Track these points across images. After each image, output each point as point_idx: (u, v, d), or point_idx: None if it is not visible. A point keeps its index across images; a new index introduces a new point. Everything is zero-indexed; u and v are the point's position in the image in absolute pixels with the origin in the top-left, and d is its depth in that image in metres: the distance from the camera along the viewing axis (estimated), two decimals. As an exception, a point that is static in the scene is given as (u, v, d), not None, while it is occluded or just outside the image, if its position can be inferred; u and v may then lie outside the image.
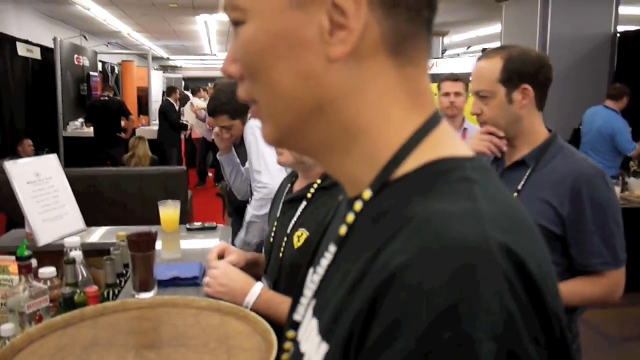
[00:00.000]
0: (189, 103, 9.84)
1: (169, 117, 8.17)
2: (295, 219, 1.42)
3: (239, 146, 2.57)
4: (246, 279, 1.39)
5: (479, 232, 0.41)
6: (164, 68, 19.46)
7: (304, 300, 0.62)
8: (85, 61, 9.47)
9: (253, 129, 2.29)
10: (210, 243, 2.02)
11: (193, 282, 1.49)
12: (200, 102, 9.76)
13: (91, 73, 9.41)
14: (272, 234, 1.51)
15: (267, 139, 0.56)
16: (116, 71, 12.39)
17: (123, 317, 1.26)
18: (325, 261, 0.55)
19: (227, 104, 2.38)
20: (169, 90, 8.84)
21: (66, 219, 1.94)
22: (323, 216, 1.36)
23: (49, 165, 1.94)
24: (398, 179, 0.51)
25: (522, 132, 1.50)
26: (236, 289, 1.37)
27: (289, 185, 1.56)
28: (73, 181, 2.05)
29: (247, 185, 2.52)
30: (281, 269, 1.43)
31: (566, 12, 6.23)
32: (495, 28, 9.47)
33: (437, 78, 9.61)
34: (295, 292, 0.70)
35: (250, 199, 2.43)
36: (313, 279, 0.58)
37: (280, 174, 2.18)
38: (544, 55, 1.54)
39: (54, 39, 8.01)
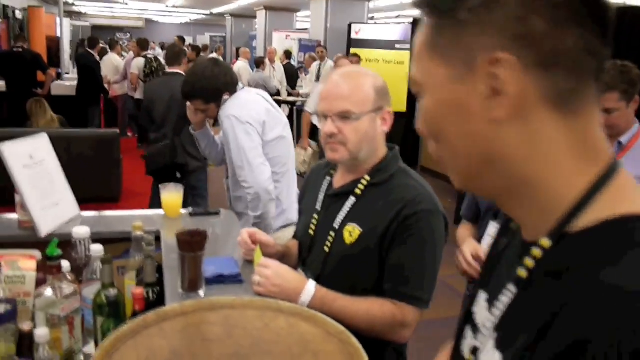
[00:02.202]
0: (107, 56, 9.20)
1: (95, 73, 7.59)
2: (344, 213, 1.43)
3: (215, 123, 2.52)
4: (299, 278, 1.39)
5: None
6: (69, 14, 17.96)
7: (485, 331, 0.65)
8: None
9: (230, 118, 2.24)
10: (217, 229, 1.98)
11: (237, 280, 1.47)
12: (117, 59, 9.18)
13: (-5, 19, 8.52)
14: (313, 227, 1.51)
15: (455, 184, 0.65)
16: (19, 16, 11.29)
17: (186, 322, 1.22)
18: (505, 299, 0.60)
19: (202, 88, 2.31)
20: (92, 42, 8.18)
21: (62, 205, 1.80)
22: (376, 213, 1.39)
23: (41, 146, 1.78)
24: (578, 233, 0.54)
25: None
26: (290, 288, 1.36)
27: (328, 178, 1.55)
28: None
29: (223, 155, 2.49)
30: (326, 263, 1.44)
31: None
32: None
33: (365, 44, 9.63)
34: (461, 320, 0.74)
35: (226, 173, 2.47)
36: (493, 312, 0.63)
37: (263, 168, 2.17)
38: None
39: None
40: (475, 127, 0.57)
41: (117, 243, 1.86)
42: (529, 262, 0.57)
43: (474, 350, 0.69)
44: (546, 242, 0.56)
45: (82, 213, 1.96)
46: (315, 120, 1.87)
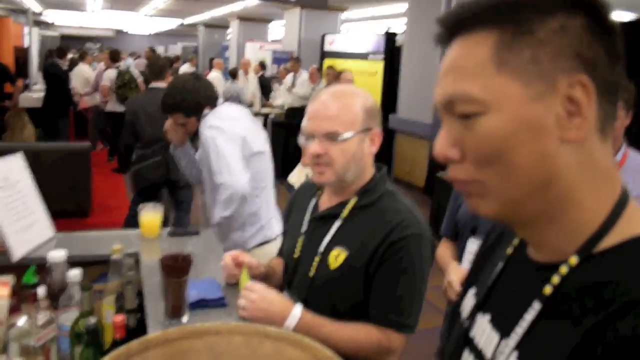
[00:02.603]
0: (78, 67, 9.02)
1: (64, 84, 7.43)
2: (329, 237, 1.41)
3: (193, 138, 2.48)
4: (285, 302, 1.36)
5: None
6: (37, 24, 17.60)
7: (505, 349, 0.64)
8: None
9: (212, 128, 2.24)
10: (197, 249, 1.94)
11: (220, 304, 1.44)
12: (88, 69, 9.01)
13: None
14: (298, 251, 1.49)
15: (486, 213, 0.62)
16: (-16, 26, 11.01)
17: (171, 350, 1.18)
18: (529, 316, 0.61)
19: (183, 101, 2.30)
20: (60, 52, 8.01)
21: (36, 227, 1.75)
22: (362, 236, 1.37)
23: (16, 167, 1.72)
24: (606, 252, 0.58)
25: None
26: (275, 312, 1.34)
27: (313, 200, 1.53)
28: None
29: (201, 172, 2.47)
30: (311, 288, 1.42)
31: None
32: (400, 7, 9.68)
33: (339, 55, 9.64)
34: (455, 346, 0.75)
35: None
36: (516, 331, 0.62)
37: (243, 173, 2.15)
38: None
39: None
40: (547, 147, 0.57)
41: (93, 265, 1.81)
42: (555, 279, 0.59)
43: None
44: (574, 260, 0.58)
45: (56, 234, 1.90)
46: (300, 140, 1.83)
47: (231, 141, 2.20)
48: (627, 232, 0.58)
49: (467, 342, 0.74)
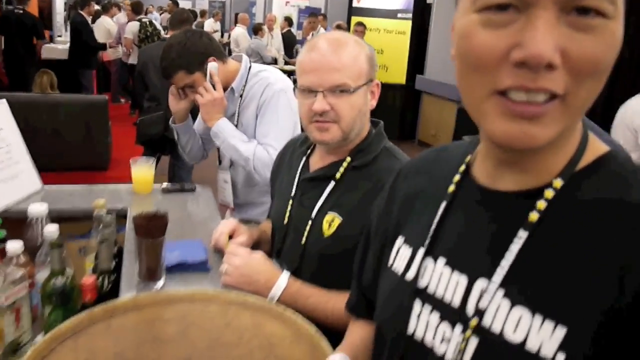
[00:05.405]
0: (100, 19, 8.91)
1: (85, 36, 7.35)
2: (321, 200, 1.28)
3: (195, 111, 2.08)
4: (271, 270, 1.25)
5: None
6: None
7: (490, 287, 0.58)
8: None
9: (279, 93, 1.90)
10: (191, 207, 1.84)
11: (202, 267, 1.33)
12: (111, 22, 8.88)
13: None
14: (287, 214, 1.35)
15: (543, 140, 0.52)
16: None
17: (138, 318, 1.08)
18: (515, 246, 0.56)
19: (179, 57, 1.91)
20: (83, 3, 7.89)
21: (21, 178, 1.66)
22: (358, 200, 1.24)
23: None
24: (584, 169, 0.58)
25: None
26: (260, 281, 1.23)
27: (303, 158, 1.39)
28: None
29: (202, 150, 2.19)
30: (304, 256, 1.29)
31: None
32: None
33: (367, 12, 9.39)
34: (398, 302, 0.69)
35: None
36: (502, 265, 0.57)
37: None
38: None
39: None
40: None
41: (82, 221, 1.73)
42: (541, 204, 0.56)
43: (460, 321, 0.60)
44: (559, 182, 0.57)
45: (45, 187, 1.81)
46: (290, 89, 1.62)
47: (291, 111, 1.90)
48: (594, 153, 0.59)
49: (418, 293, 0.66)
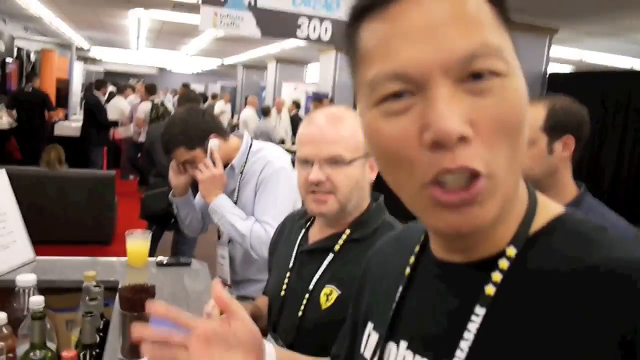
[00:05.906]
0: (114, 99, 9.21)
1: (98, 115, 7.58)
2: (319, 273, 1.24)
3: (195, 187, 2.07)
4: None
5: None
6: (84, 59, 18.31)
7: None
8: (0, 45, 8.68)
9: (279, 171, 1.91)
10: (186, 282, 1.78)
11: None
12: (124, 102, 9.18)
13: (7, 59, 8.62)
14: (285, 286, 1.31)
15: (487, 220, 0.50)
16: (32, 59, 11.47)
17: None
18: (473, 325, 0.53)
19: (181, 134, 1.92)
20: (99, 84, 8.19)
21: (13, 248, 1.63)
22: (357, 273, 1.19)
23: (-3, 183, 1.62)
24: (536, 235, 0.54)
25: (555, 185, 1.42)
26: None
27: (302, 230, 1.37)
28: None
29: (202, 224, 2.17)
30: (300, 330, 1.24)
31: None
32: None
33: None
34: None
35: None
36: (461, 346, 0.53)
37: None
38: (585, 110, 1.47)
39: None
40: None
41: (73, 293, 1.68)
42: (496, 275, 0.53)
43: None
44: (512, 251, 0.53)
45: (38, 258, 1.78)
46: (289, 168, 1.63)
47: (291, 189, 1.89)
48: (547, 215, 0.56)
49: None
